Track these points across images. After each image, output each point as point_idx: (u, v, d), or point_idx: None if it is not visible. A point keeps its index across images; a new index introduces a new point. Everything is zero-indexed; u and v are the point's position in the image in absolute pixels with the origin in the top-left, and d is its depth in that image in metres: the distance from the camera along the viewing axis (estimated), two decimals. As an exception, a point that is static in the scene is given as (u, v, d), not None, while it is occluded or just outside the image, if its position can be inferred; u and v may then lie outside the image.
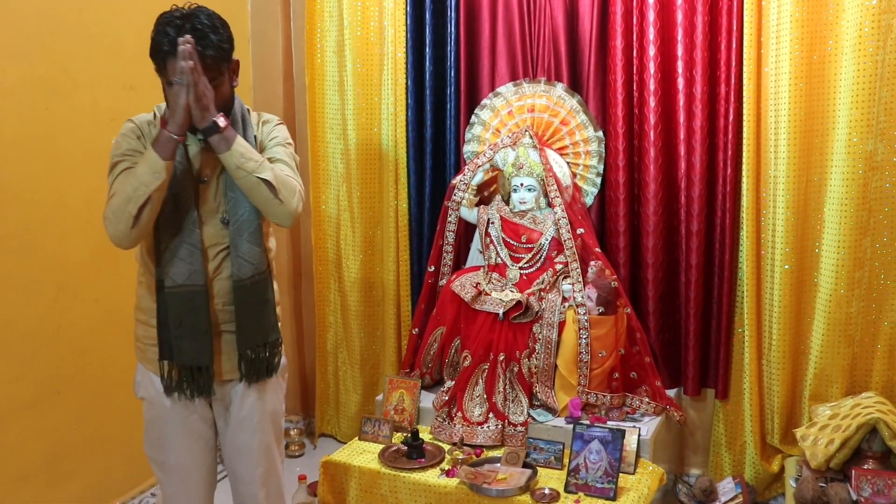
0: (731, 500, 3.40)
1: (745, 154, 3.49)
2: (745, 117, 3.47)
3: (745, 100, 3.46)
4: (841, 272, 3.34)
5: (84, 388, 3.49)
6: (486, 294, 3.64)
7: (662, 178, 3.69)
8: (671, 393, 3.73)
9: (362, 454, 3.44)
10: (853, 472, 3.07)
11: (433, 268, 3.93)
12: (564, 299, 3.59)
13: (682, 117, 3.63)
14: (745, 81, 3.46)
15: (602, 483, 3.06)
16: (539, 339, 3.54)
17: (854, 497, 3.04)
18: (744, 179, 3.52)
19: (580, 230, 3.63)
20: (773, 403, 3.61)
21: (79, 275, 3.44)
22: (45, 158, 3.24)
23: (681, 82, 3.61)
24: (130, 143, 2.43)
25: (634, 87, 3.70)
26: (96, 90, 3.46)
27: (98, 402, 3.56)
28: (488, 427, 3.48)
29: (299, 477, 3.57)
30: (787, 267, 3.47)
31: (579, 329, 3.48)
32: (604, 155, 3.82)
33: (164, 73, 2.35)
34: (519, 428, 3.44)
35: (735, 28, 3.49)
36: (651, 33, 3.60)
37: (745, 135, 3.48)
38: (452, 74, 4.03)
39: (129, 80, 3.62)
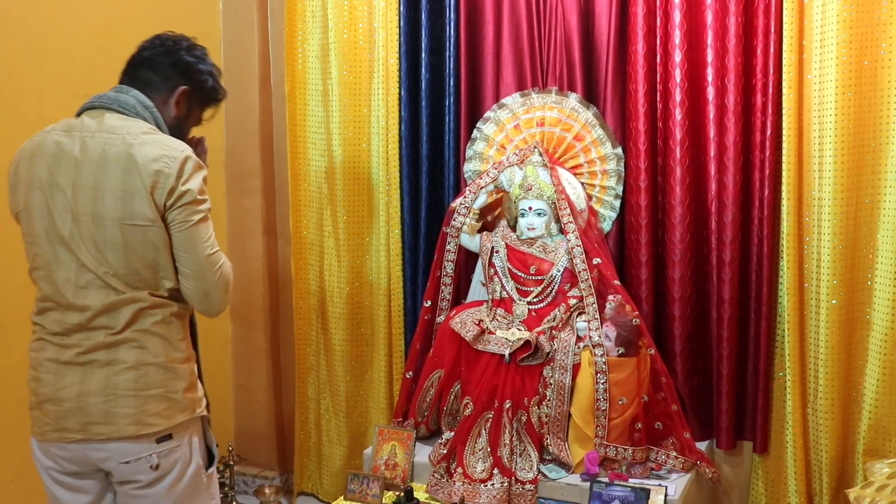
0: (773, 570, 3.32)
1: (784, 173, 3.42)
2: (784, 131, 3.39)
3: (784, 111, 3.39)
4: (898, 307, 3.29)
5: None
6: (490, 332, 3.59)
7: (690, 201, 3.63)
8: (702, 446, 3.67)
9: None
10: (918, 540, 2.97)
11: (430, 302, 3.88)
12: (579, 339, 3.53)
13: (712, 132, 3.57)
14: (784, 91, 3.38)
15: (625, 552, 3.03)
16: (550, 385, 3.48)
17: (920, 570, 2.94)
18: (784, 202, 3.45)
19: (597, 260, 3.58)
20: (820, 459, 3.52)
21: (20, 309, 3.27)
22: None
23: (711, 92, 3.55)
24: None
25: (658, 98, 3.66)
26: (44, 98, 3.44)
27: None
28: (493, 485, 3.41)
29: (275, 543, 3.47)
30: (834, 302, 3.38)
31: (596, 372, 3.42)
32: (623, 175, 3.78)
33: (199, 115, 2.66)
34: (528, 486, 3.40)
35: (773, 30, 3.42)
36: (677, 37, 3.54)
37: (784, 151, 3.40)
38: (452, 83, 3.99)
39: (81, 87, 3.47)
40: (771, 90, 3.45)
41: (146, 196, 2.32)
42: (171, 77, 2.55)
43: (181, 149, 2.40)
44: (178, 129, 2.57)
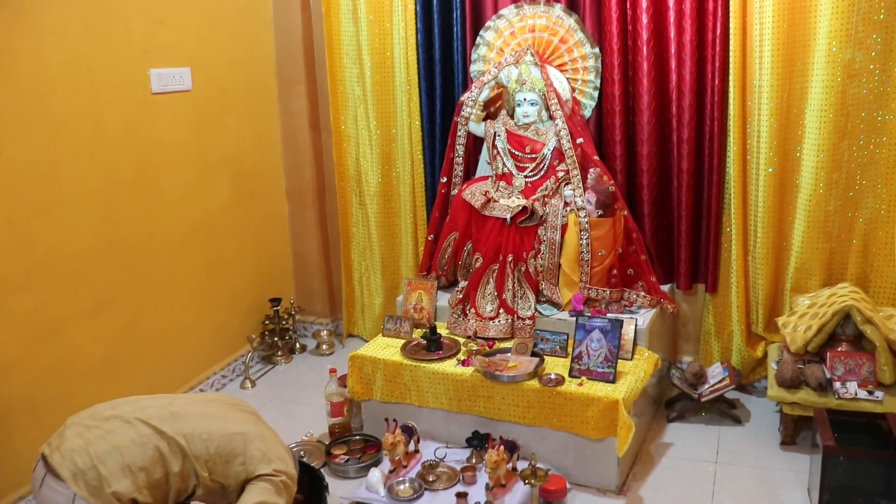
0: (719, 382, 3.52)
1: (731, 65, 3.47)
2: (731, 30, 3.44)
3: (731, 14, 3.43)
4: (820, 174, 3.36)
5: (134, 298, 3.60)
6: (495, 201, 3.68)
7: (655, 90, 3.67)
8: (665, 288, 3.79)
9: (386, 348, 3.54)
10: (828, 354, 3.20)
11: (445, 179, 3.96)
12: (566, 204, 3.63)
13: (672, 32, 3.59)
14: (731, -4, 3.42)
15: (602, 368, 3.16)
16: (544, 241, 3.60)
17: (828, 376, 3.17)
18: (731, 89, 3.50)
19: (580, 140, 3.64)
20: (757, 295, 3.67)
21: (125, 195, 3.50)
22: (86, 90, 3.27)
23: (671, -1, 3.55)
24: None
25: (628, 5, 3.65)
26: (130, 25, 3.46)
27: (147, 309, 3.67)
28: (499, 321, 3.57)
29: (330, 370, 3.67)
30: (770, 170, 3.48)
31: (580, 231, 3.54)
32: (600, 70, 3.79)
33: None
34: (527, 321, 3.53)
35: (723, -54, 3.42)
36: (643, -49, 3.52)
37: (731, 47, 3.45)
38: (458, -1, 4.00)
39: (159, 13, 3.62)
40: (721, -4, 3.45)
41: None
42: None
43: None
44: None
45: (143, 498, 2.30)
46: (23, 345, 3.05)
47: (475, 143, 4.05)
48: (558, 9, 3.82)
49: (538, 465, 2.87)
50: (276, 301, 4.46)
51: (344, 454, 3.41)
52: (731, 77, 3.48)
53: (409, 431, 3.21)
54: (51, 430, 2.53)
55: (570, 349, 3.34)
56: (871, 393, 3.08)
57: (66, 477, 2.23)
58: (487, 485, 2.94)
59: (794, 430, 3.34)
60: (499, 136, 3.82)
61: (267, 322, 4.49)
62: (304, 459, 3.41)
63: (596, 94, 3.83)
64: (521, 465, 2.98)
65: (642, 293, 3.63)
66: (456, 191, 3.90)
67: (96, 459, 2.26)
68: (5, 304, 2.97)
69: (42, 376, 3.14)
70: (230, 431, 2.43)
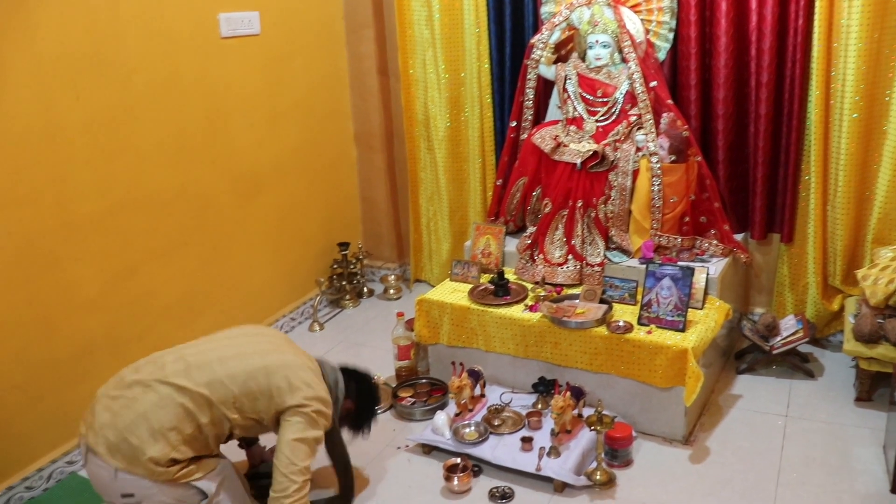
0: (793, 335, 3.45)
1: (817, 4, 3.31)
2: None
3: None
4: (911, 119, 3.22)
5: (206, 240, 3.67)
6: (565, 146, 3.64)
7: (734, 32, 3.55)
8: (738, 237, 3.72)
9: (453, 293, 3.56)
10: (911, 307, 3.08)
11: (515, 123, 3.91)
12: (638, 149, 3.57)
13: None
14: (819, -71, 3.24)
15: (672, 316, 3.12)
16: (614, 187, 3.55)
17: (910, 330, 3.07)
18: (815, 29, 3.35)
19: (653, 83, 3.55)
20: (836, 247, 3.57)
21: (196, 139, 3.54)
22: (158, 35, 3.29)
23: (754, -67, 3.39)
24: None
25: None
26: None
27: (218, 252, 3.74)
28: (568, 268, 3.56)
29: (397, 314, 3.71)
30: (855, 115, 3.34)
31: (652, 176, 3.47)
32: (676, 10, 3.66)
33: None
34: (596, 268, 3.51)
35: None
36: None
37: None
38: (529, -63, 3.90)
39: None
40: (808, -71, 3.28)
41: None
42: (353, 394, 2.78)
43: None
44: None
45: (182, 454, 2.38)
46: (102, 283, 3.14)
47: (545, 87, 3.99)
48: (633, -54, 3.68)
49: (604, 413, 2.87)
50: (344, 245, 4.51)
51: (410, 397, 3.46)
52: (816, 16, 3.33)
53: (475, 375, 3.23)
54: (129, 367, 2.62)
55: (639, 297, 3.30)
56: (955, 348, 2.98)
57: (102, 454, 2.34)
58: (553, 430, 2.95)
59: (870, 386, 3.25)
60: (570, 79, 3.76)
61: (335, 266, 4.54)
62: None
63: (671, 35, 3.71)
64: (587, 412, 2.99)
65: (715, 241, 3.57)
66: (525, 135, 3.86)
67: (125, 431, 2.35)
68: (85, 243, 3.05)
69: (121, 315, 3.23)
70: (250, 369, 2.49)
